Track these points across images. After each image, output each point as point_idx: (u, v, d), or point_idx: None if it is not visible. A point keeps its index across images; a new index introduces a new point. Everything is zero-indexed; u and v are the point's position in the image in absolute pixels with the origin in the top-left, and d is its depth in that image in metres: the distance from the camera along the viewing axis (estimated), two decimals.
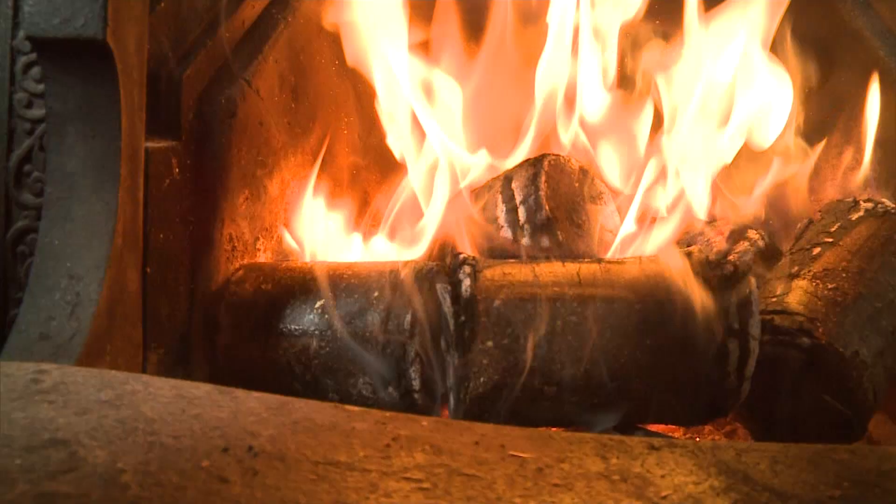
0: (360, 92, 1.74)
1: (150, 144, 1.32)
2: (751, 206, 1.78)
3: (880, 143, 1.72)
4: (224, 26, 1.50)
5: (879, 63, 1.77)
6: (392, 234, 1.66)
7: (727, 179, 1.80)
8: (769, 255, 1.65)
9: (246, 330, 1.46)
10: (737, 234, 1.65)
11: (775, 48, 1.76)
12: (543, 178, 1.53)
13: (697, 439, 1.56)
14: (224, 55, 1.50)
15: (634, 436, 1.31)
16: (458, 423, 1.06)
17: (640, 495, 0.92)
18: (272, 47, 1.61)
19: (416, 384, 1.37)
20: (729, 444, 1.06)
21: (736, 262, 1.36)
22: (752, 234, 1.66)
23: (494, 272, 1.37)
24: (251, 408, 1.04)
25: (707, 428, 1.66)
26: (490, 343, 1.31)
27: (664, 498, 0.92)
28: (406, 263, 1.43)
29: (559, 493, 0.91)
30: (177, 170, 1.38)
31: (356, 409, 1.07)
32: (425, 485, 0.91)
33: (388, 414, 1.07)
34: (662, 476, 0.97)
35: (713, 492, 0.94)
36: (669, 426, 1.58)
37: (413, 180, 1.69)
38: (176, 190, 1.39)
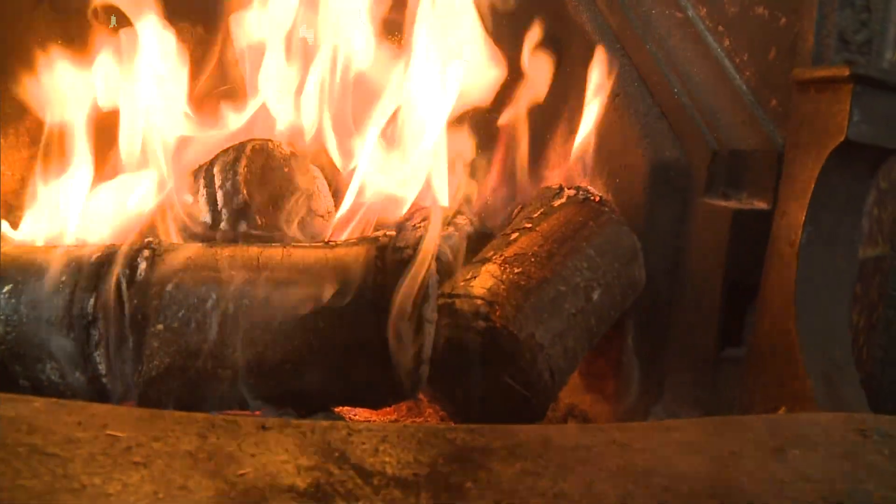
0: None
1: None
2: (473, 191, 1.81)
3: (599, 132, 1.77)
4: None
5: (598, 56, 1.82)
6: (104, 218, 1.63)
7: (454, 166, 1.83)
8: (479, 239, 1.68)
9: None
10: (445, 219, 1.67)
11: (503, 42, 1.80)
12: (244, 163, 1.54)
13: (395, 419, 1.59)
14: None
15: (313, 419, 1.34)
16: (74, 404, 1.06)
17: (216, 473, 0.93)
18: None
19: (102, 368, 1.36)
20: (345, 425, 1.08)
21: (416, 247, 1.38)
22: (460, 219, 1.69)
23: (176, 256, 1.37)
24: None
25: (428, 410, 1.70)
26: (161, 326, 1.31)
27: (240, 476, 0.94)
28: (98, 248, 1.42)
29: (131, 471, 0.92)
30: None
31: None
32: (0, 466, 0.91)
33: (6, 396, 1.07)
34: (253, 455, 0.98)
35: (296, 470, 0.96)
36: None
37: (129, 163, 1.66)
38: None
